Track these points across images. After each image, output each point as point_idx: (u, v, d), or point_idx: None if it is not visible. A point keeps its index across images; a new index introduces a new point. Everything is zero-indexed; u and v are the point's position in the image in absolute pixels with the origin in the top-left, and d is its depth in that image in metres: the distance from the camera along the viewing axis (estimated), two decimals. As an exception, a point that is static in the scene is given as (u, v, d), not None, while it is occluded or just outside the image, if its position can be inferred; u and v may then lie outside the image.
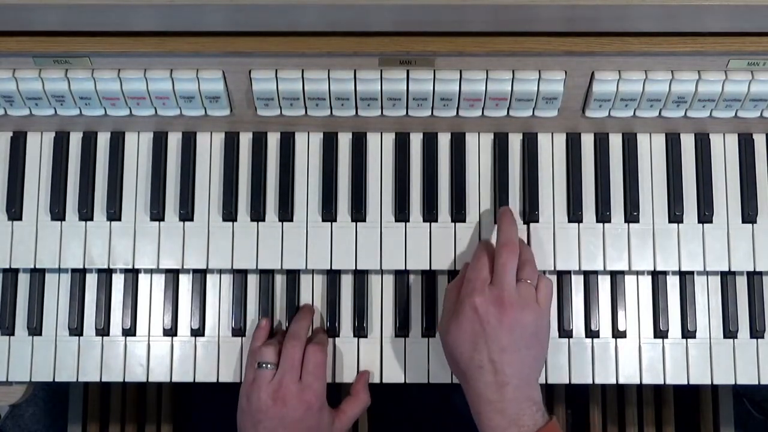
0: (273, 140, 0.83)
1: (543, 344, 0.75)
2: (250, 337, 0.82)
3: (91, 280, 0.83)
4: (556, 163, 0.83)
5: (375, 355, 0.82)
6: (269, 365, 0.77)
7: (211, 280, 0.83)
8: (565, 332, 0.82)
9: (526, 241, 0.81)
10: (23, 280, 0.83)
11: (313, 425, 0.76)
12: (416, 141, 0.83)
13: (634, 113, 0.79)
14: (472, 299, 0.72)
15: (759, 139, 0.83)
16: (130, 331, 0.82)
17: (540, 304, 0.74)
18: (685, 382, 0.81)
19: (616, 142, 0.83)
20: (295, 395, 0.75)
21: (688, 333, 0.82)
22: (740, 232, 0.81)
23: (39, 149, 0.83)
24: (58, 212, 0.82)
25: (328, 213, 0.82)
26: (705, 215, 0.81)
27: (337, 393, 0.80)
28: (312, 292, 0.83)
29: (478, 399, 0.71)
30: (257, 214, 0.82)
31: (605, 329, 0.82)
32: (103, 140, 0.83)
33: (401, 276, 0.83)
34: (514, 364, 0.70)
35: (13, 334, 0.82)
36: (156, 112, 0.79)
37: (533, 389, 0.72)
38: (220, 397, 1.03)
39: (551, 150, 0.83)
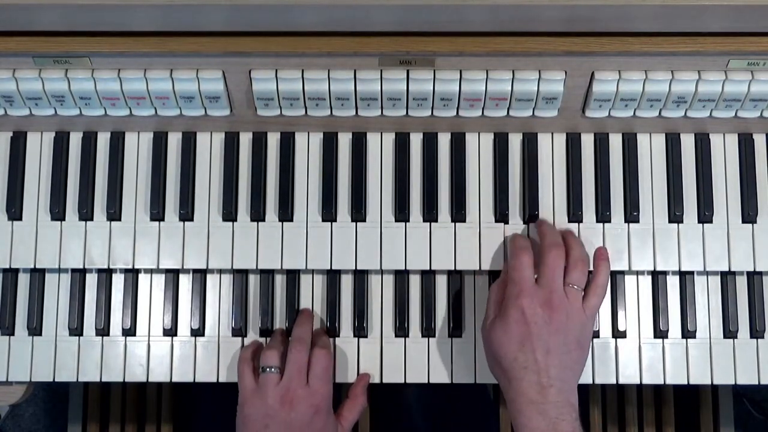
0: (273, 140, 0.83)
1: (585, 350, 0.76)
2: (251, 337, 0.82)
3: (91, 280, 0.83)
4: (556, 163, 0.83)
5: (375, 355, 0.82)
6: (273, 369, 0.76)
7: (211, 280, 0.83)
8: (565, 332, 0.82)
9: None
10: (23, 280, 0.83)
11: (320, 429, 0.76)
12: (416, 141, 0.83)
13: (634, 113, 0.79)
14: (519, 301, 0.73)
15: (759, 139, 0.83)
16: (130, 331, 0.82)
17: (585, 311, 0.75)
18: (685, 382, 0.81)
19: (616, 142, 0.83)
20: (304, 399, 0.75)
21: (688, 333, 0.82)
22: (740, 232, 0.81)
23: (39, 149, 0.83)
24: (58, 212, 0.82)
25: (328, 213, 0.82)
26: (705, 215, 0.81)
27: (337, 393, 0.80)
28: (312, 292, 0.83)
29: (520, 398, 0.71)
30: (257, 214, 0.82)
31: (605, 329, 0.82)
32: (103, 140, 0.83)
33: (401, 276, 0.83)
34: (559, 366, 0.71)
35: (13, 334, 0.82)
36: (156, 112, 0.79)
37: (573, 395, 0.73)
38: (220, 397, 1.02)
39: (551, 150, 0.83)
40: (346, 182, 0.83)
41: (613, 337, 0.82)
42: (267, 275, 0.83)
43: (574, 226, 0.81)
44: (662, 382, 0.81)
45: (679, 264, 0.81)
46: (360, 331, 0.82)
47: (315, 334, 0.81)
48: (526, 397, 0.71)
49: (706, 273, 0.83)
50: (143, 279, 0.83)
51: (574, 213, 0.82)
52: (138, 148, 0.83)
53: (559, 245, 0.76)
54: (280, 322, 0.83)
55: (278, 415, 0.74)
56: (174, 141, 0.83)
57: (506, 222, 0.82)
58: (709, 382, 0.81)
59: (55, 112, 0.79)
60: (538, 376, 0.71)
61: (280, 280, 0.84)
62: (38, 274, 0.83)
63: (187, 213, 0.82)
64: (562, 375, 0.71)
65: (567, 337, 0.73)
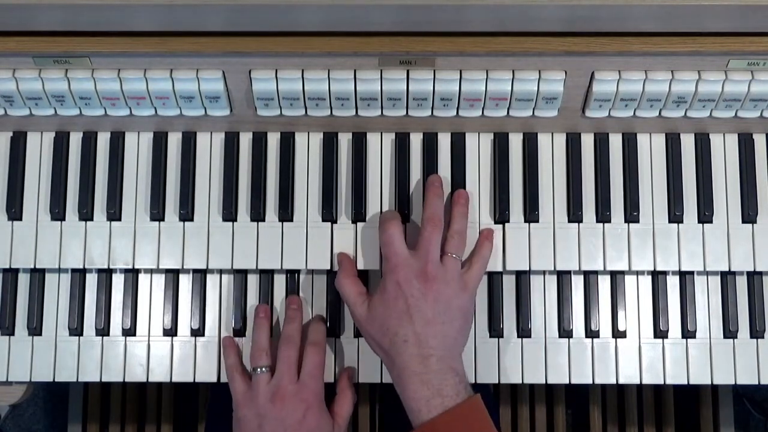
0: (273, 140, 0.83)
1: (467, 318, 0.76)
2: (251, 337, 0.82)
3: (91, 280, 0.83)
4: (556, 163, 0.83)
5: (375, 355, 0.82)
6: (264, 368, 0.77)
7: (211, 280, 0.83)
8: (565, 332, 0.82)
9: (528, 241, 0.81)
10: (23, 280, 0.83)
11: (313, 426, 0.75)
12: (416, 141, 0.83)
13: (634, 113, 0.79)
14: (395, 275, 0.73)
15: (759, 139, 0.83)
16: (130, 331, 0.82)
17: (466, 282, 0.76)
18: (685, 382, 0.81)
19: (616, 142, 0.83)
20: (294, 395, 0.75)
21: (688, 333, 0.82)
22: (740, 232, 0.81)
23: (39, 149, 0.83)
24: (58, 212, 0.82)
25: (328, 213, 0.82)
26: (705, 215, 0.81)
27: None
28: (312, 292, 0.83)
29: (402, 372, 0.71)
30: (257, 214, 0.82)
31: (605, 329, 0.82)
32: (103, 140, 0.83)
33: (401, 276, 0.83)
34: (438, 336, 0.72)
35: (13, 334, 0.82)
36: (156, 112, 0.79)
37: (456, 361, 0.73)
38: (222, 397, 1.03)
39: (551, 150, 0.83)
40: (346, 182, 0.83)
41: (613, 337, 0.82)
42: (267, 275, 0.83)
43: (574, 226, 0.81)
44: (662, 382, 0.81)
45: (679, 264, 0.81)
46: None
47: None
48: (409, 370, 0.71)
49: (706, 273, 0.83)
50: (143, 279, 0.83)
51: (574, 213, 0.82)
52: (138, 148, 0.83)
53: (436, 217, 0.76)
54: (280, 322, 0.83)
55: (270, 414, 0.75)
56: (174, 141, 0.83)
57: (506, 222, 0.82)
58: (709, 382, 0.81)
59: (55, 112, 0.79)
60: (419, 348, 0.71)
61: (279, 280, 0.84)
62: (38, 274, 0.83)
63: (187, 213, 0.82)
64: (443, 344, 0.72)
65: (447, 306, 0.73)
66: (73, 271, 0.83)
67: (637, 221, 0.82)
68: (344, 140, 0.83)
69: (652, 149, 0.83)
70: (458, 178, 0.82)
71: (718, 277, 0.83)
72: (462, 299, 0.75)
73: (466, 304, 0.75)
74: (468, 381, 0.73)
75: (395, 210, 0.81)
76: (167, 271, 0.83)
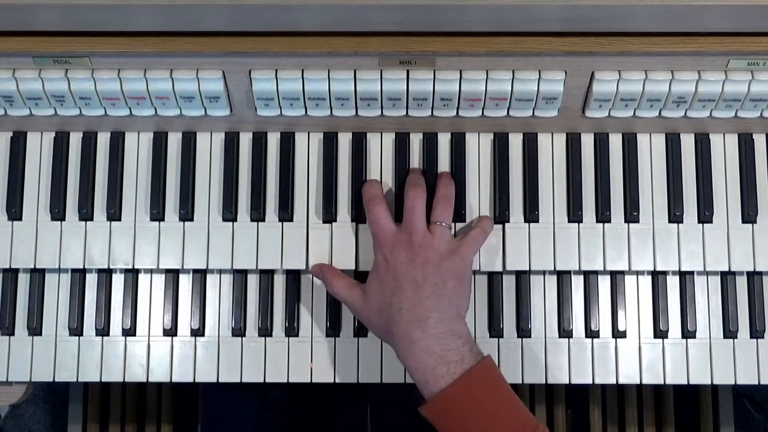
0: (273, 140, 0.83)
1: (461, 280, 0.74)
2: (251, 337, 0.82)
3: (91, 280, 0.83)
4: (556, 163, 0.83)
5: (375, 355, 0.82)
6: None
7: (211, 280, 0.83)
8: (565, 332, 0.82)
9: (528, 241, 0.81)
10: (23, 280, 0.83)
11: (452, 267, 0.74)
12: (416, 141, 0.83)
13: (634, 113, 0.79)
14: (381, 251, 0.74)
15: (759, 139, 0.83)
16: (130, 331, 0.82)
17: (457, 248, 0.75)
18: (685, 382, 0.81)
19: (616, 142, 0.83)
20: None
21: (688, 333, 0.82)
22: (740, 232, 0.81)
23: (39, 149, 0.83)
24: (58, 212, 0.82)
25: (328, 213, 0.82)
26: (705, 215, 0.81)
27: (344, 393, 0.80)
28: (312, 292, 0.83)
29: (403, 343, 0.70)
30: (257, 214, 0.82)
31: (605, 329, 0.82)
32: (103, 140, 0.83)
33: (401, 276, 0.83)
34: (432, 297, 0.71)
35: (13, 334, 0.82)
36: (156, 112, 0.79)
37: (457, 323, 0.72)
38: (225, 396, 1.02)
39: (551, 150, 0.83)
40: (346, 182, 0.83)
41: (613, 337, 0.82)
42: (267, 275, 0.83)
43: (574, 226, 0.81)
44: (662, 382, 0.81)
45: (679, 264, 0.81)
46: (360, 330, 0.82)
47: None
48: (409, 339, 0.70)
49: (706, 273, 0.83)
50: (143, 279, 0.83)
51: (574, 213, 0.82)
52: (138, 148, 0.83)
53: (418, 186, 0.77)
54: (280, 322, 0.83)
55: (445, 264, 0.74)
56: (174, 141, 0.83)
57: (506, 222, 0.82)
58: (709, 382, 0.81)
59: (55, 112, 0.79)
60: (414, 312, 0.70)
61: (280, 280, 0.84)
62: (38, 274, 0.83)
63: (187, 213, 0.82)
64: (438, 305, 0.71)
65: (437, 268, 0.73)
66: (73, 271, 0.83)
67: (637, 221, 0.82)
68: (344, 140, 0.83)
69: (652, 149, 0.83)
70: (458, 178, 0.82)
71: (718, 277, 0.83)
72: (453, 262, 0.74)
73: (457, 267, 0.74)
74: (475, 343, 0.71)
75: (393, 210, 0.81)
76: (167, 271, 0.83)
